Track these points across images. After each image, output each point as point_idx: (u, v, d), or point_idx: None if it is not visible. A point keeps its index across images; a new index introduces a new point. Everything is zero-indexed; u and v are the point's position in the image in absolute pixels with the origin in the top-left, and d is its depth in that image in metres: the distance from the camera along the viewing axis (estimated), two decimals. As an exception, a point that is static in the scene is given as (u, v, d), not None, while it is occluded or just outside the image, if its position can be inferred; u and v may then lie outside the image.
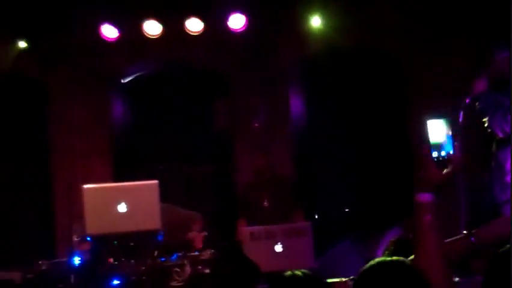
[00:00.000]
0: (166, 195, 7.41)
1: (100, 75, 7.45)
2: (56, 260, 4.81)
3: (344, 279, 4.06)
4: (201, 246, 5.17)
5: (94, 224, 4.32)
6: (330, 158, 7.62)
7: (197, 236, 5.18)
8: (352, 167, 7.55)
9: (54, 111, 7.45)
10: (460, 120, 4.15)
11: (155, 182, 4.39)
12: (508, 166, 4.24)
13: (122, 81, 7.66)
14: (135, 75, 7.70)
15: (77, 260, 4.60)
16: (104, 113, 7.54)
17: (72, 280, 4.37)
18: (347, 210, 7.59)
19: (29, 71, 7.40)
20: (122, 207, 4.33)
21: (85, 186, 4.39)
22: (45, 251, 7.01)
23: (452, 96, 6.86)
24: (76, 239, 4.68)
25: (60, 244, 7.08)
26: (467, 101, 4.25)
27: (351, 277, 4.00)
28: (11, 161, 7.50)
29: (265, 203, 6.13)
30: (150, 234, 4.42)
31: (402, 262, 2.21)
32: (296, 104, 7.66)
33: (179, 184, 7.57)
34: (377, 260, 2.33)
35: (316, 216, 7.40)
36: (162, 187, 7.42)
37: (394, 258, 2.24)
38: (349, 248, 5.55)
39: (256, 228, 4.39)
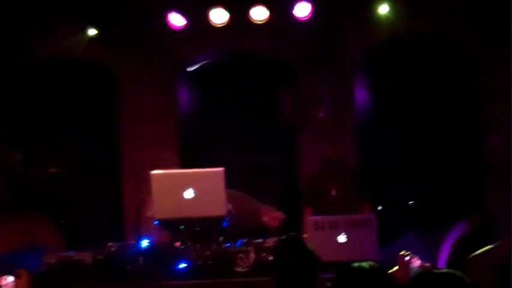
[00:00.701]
0: (229, 183, 7.62)
1: (167, 63, 7.57)
2: (125, 242, 4.94)
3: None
4: (278, 225, 5.20)
5: (162, 209, 4.42)
6: (394, 149, 7.54)
7: (272, 216, 5.21)
8: (417, 159, 7.45)
9: (123, 98, 7.61)
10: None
11: (222, 169, 4.46)
12: None
13: (188, 69, 7.76)
14: (201, 63, 7.79)
15: (145, 243, 4.72)
16: (171, 100, 7.66)
17: (140, 261, 4.47)
18: (411, 202, 7.49)
19: (99, 58, 7.58)
20: (189, 193, 4.42)
21: (153, 172, 4.49)
22: (114, 234, 7.25)
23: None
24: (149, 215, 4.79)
25: (128, 227, 7.27)
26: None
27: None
28: (82, 146, 7.74)
29: (332, 192, 6.14)
30: (216, 220, 4.49)
31: (453, 274, 2.24)
32: (361, 93, 7.60)
33: (243, 173, 7.63)
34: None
35: (379, 208, 7.36)
36: (226, 175, 7.64)
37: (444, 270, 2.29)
38: (413, 241, 5.49)
39: (320, 218, 4.40)
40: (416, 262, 3.41)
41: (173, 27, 7.14)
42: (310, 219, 4.34)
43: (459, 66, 7.42)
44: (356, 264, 2.46)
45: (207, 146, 7.79)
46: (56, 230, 6.71)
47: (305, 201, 6.43)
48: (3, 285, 3.27)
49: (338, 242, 4.23)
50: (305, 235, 4.39)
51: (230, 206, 4.67)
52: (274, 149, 7.81)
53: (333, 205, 6.12)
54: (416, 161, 7.46)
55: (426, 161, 7.44)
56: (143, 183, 7.40)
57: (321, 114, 7.54)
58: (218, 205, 4.42)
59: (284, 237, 3.02)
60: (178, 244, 4.68)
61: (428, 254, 5.49)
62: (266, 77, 7.77)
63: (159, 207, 4.42)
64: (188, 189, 4.40)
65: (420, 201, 7.44)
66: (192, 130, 7.79)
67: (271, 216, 5.04)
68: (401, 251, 5.17)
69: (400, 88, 7.52)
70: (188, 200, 4.41)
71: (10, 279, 3.28)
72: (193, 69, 7.82)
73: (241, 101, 7.74)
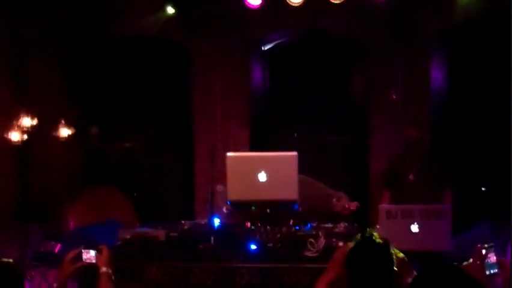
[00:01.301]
0: (299, 165, 7.65)
1: (242, 41, 7.63)
2: (197, 221, 5.04)
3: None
4: (353, 209, 5.18)
5: (235, 190, 4.50)
6: (469, 135, 7.39)
7: (348, 203, 5.19)
8: (492, 146, 7.27)
9: (198, 76, 7.73)
10: None
11: (295, 153, 4.48)
12: None
13: (262, 48, 7.79)
14: (275, 42, 7.81)
15: (216, 222, 4.81)
16: (244, 79, 7.72)
17: (212, 241, 4.57)
18: (483, 189, 7.34)
19: (175, 36, 7.70)
20: (262, 176, 4.48)
21: (229, 153, 4.56)
22: (186, 210, 7.44)
23: None
24: (219, 200, 4.88)
25: (198, 204, 7.41)
26: None
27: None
28: (157, 122, 7.92)
29: (410, 177, 6.06)
30: (287, 203, 4.53)
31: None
32: (437, 77, 7.45)
33: (313, 154, 7.65)
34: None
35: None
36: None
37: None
38: (487, 232, 5.38)
39: (392, 206, 4.37)
40: (493, 257, 3.32)
41: (249, 5, 7.15)
42: (382, 207, 4.31)
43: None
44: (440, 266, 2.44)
45: (278, 126, 7.83)
46: (131, 205, 6.93)
47: (384, 183, 6.36)
48: (86, 258, 3.39)
49: (410, 232, 4.19)
50: (378, 226, 4.36)
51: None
52: (346, 130, 7.77)
53: (410, 190, 6.01)
54: (492, 148, 7.28)
55: (502, 147, 7.24)
56: (215, 160, 7.58)
57: (394, 97, 7.43)
58: (290, 189, 4.46)
59: (359, 239, 2.98)
60: (248, 224, 4.74)
61: (501, 245, 5.39)
62: (340, 58, 7.72)
63: (233, 189, 4.49)
64: (262, 172, 4.45)
65: (493, 188, 7.27)
66: (263, 109, 7.82)
67: (344, 207, 5.02)
68: (477, 242, 5.11)
69: (479, 72, 7.32)
70: (262, 182, 4.47)
71: (92, 253, 3.40)
72: (268, 48, 7.83)
73: (314, 81, 7.72)
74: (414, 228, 4.18)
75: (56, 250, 6.38)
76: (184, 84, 7.83)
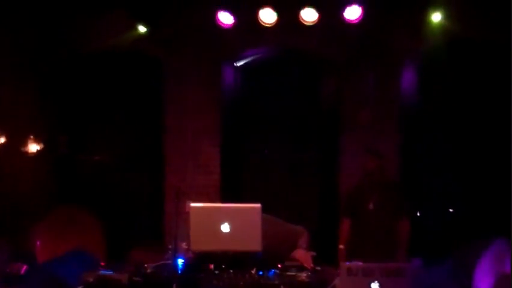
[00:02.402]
0: (269, 179, 7.71)
1: (214, 57, 7.60)
2: (161, 263, 5.05)
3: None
4: (312, 266, 5.24)
5: (198, 240, 4.53)
6: (438, 155, 7.47)
7: (305, 255, 5.22)
8: (460, 167, 7.37)
9: (169, 91, 7.70)
10: None
11: (258, 205, 4.51)
12: None
13: (235, 64, 7.76)
14: (248, 59, 7.78)
15: (180, 262, 4.84)
16: (215, 95, 7.70)
17: (174, 288, 4.61)
18: (451, 210, 7.45)
19: (148, 51, 7.65)
20: (225, 227, 4.51)
21: (192, 204, 4.58)
22: (155, 227, 7.47)
23: None
24: (183, 246, 4.90)
25: (168, 219, 7.41)
26: None
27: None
28: (127, 136, 7.89)
29: (370, 206, 6.15)
30: (250, 254, 4.58)
31: None
32: (408, 98, 7.49)
33: (284, 170, 7.71)
34: None
35: (418, 214, 7.36)
36: (267, 172, 7.72)
37: None
38: (446, 276, 5.49)
39: (353, 264, 4.42)
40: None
41: (222, 25, 7.11)
42: (343, 265, 4.36)
43: (501, 75, 7.22)
44: None
45: (249, 143, 7.84)
46: (99, 231, 6.93)
47: (343, 212, 6.46)
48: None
49: (371, 289, 4.25)
50: (337, 280, 4.43)
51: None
52: (317, 148, 7.80)
53: (370, 219, 6.17)
54: (459, 169, 7.37)
55: (469, 169, 7.35)
56: (184, 176, 7.62)
57: (364, 116, 7.47)
58: (254, 240, 4.49)
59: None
60: (212, 266, 4.78)
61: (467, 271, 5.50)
62: (312, 76, 7.73)
63: (196, 239, 4.52)
64: (225, 223, 4.49)
65: (460, 210, 7.39)
66: (235, 125, 7.82)
67: (303, 255, 5.06)
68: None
69: (449, 94, 7.38)
70: (225, 233, 4.50)
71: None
72: (241, 65, 7.81)
73: (286, 98, 7.73)
74: (375, 286, 4.23)
75: (22, 271, 6.38)
76: (156, 98, 7.78)
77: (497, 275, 5.79)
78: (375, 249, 6.03)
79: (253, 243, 4.49)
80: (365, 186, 6.30)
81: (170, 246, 4.99)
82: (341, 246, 6.31)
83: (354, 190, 6.42)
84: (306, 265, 4.82)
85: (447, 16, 6.99)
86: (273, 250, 4.97)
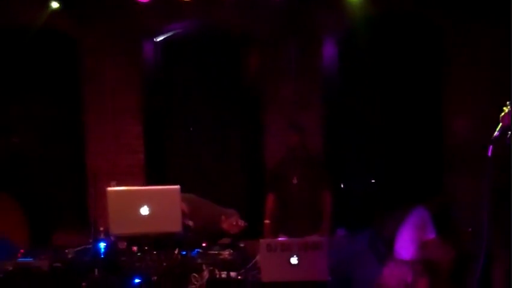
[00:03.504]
0: (194, 158, 7.65)
1: (132, 34, 7.42)
2: (83, 247, 4.96)
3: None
4: (237, 232, 5.27)
5: (117, 224, 4.45)
6: (360, 128, 7.57)
7: (233, 224, 5.24)
8: (381, 139, 7.50)
9: (87, 69, 7.48)
10: (489, 154, 4.08)
11: (177, 186, 4.47)
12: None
13: (155, 40, 7.61)
14: (169, 34, 7.63)
15: (102, 245, 4.76)
16: (135, 72, 7.53)
17: (96, 273, 4.54)
18: (373, 181, 7.59)
19: (62, 28, 7.41)
20: (144, 210, 4.45)
21: (109, 188, 4.50)
22: (78, 209, 7.31)
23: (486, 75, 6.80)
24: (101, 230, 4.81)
25: (91, 201, 7.26)
26: (497, 134, 4.16)
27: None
28: (44, 116, 7.65)
29: (294, 181, 6.22)
30: (171, 236, 4.54)
31: None
32: (330, 72, 7.53)
33: (208, 146, 7.66)
34: None
35: (342, 186, 7.47)
36: (192, 149, 7.65)
37: None
38: (366, 247, 5.63)
39: (272, 240, 4.50)
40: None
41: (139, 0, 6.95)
42: (262, 241, 4.40)
43: (427, 47, 7.35)
44: None
45: (173, 120, 7.74)
46: (22, 216, 6.73)
47: (268, 187, 6.51)
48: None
49: (290, 264, 4.32)
50: (258, 257, 4.47)
51: (191, 223, 4.73)
52: (240, 123, 7.77)
53: (293, 193, 6.26)
54: (381, 142, 7.51)
55: (390, 141, 7.49)
56: (107, 156, 7.47)
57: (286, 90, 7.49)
58: (174, 222, 4.46)
59: None
60: (135, 248, 4.73)
61: (380, 260, 5.65)
62: (233, 51, 7.66)
63: (115, 223, 4.44)
64: (144, 206, 4.42)
65: (382, 181, 7.53)
66: (157, 103, 7.69)
67: (233, 223, 5.09)
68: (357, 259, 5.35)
69: (367, 67, 7.46)
70: (144, 216, 4.44)
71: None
72: (161, 40, 7.65)
73: (209, 74, 7.64)
74: (294, 260, 4.31)
75: None
76: (74, 78, 7.55)
77: (418, 243, 5.97)
78: (300, 223, 6.14)
79: (173, 225, 4.46)
80: (288, 161, 6.39)
81: (93, 230, 4.91)
82: (267, 221, 6.40)
83: (278, 165, 6.50)
84: (232, 232, 4.85)
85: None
86: (199, 231, 4.97)
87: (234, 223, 5.13)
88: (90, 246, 4.89)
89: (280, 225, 6.26)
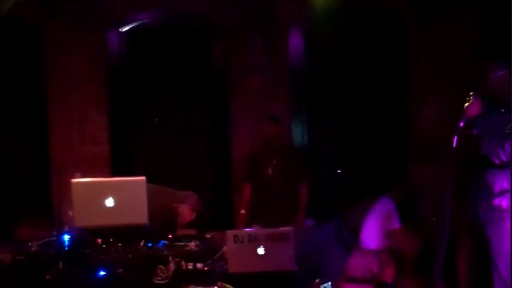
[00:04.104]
0: (162, 148, 7.60)
1: (98, 23, 7.32)
2: (47, 240, 4.87)
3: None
4: (190, 220, 5.26)
5: (82, 216, 4.38)
6: (326, 119, 7.60)
7: (187, 209, 5.25)
8: (347, 130, 7.53)
9: (51, 59, 7.36)
10: (454, 145, 4.13)
11: (143, 178, 4.41)
12: (495, 189, 4.26)
13: (120, 30, 7.51)
14: (135, 23, 7.55)
15: (66, 238, 4.69)
16: (101, 62, 7.44)
17: (60, 266, 4.47)
18: (339, 171, 7.63)
19: (26, 17, 7.26)
20: (109, 202, 4.39)
21: (73, 180, 4.41)
22: (42, 202, 7.20)
23: (449, 66, 6.87)
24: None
25: (54, 194, 7.16)
26: (462, 125, 4.20)
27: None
28: (8, 108, 7.50)
29: (269, 171, 6.22)
30: (137, 228, 4.49)
31: None
32: (296, 64, 7.53)
33: (174, 137, 7.61)
34: None
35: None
36: (158, 140, 7.59)
37: None
38: (333, 236, 5.67)
39: (239, 231, 4.48)
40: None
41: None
42: (229, 232, 4.38)
43: (391, 39, 7.40)
44: None
45: (138, 111, 7.66)
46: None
47: (244, 177, 6.53)
48: None
49: (257, 254, 4.31)
50: (225, 248, 4.45)
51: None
52: (207, 114, 7.72)
53: (269, 184, 6.29)
54: (346, 133, 7.54)
55: (356, 133, 7.53)
56: (71, 147, 7.37)
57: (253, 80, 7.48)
58: (140, 213, 4.39)
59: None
60: (99, 241, 4.67)
61: (347, 249, 5.69)
62: (201, 41, 7.60)
63: (80, 215, 4.37)
64: (109, 197, 4.36)
65: (348, 171, 7.58)
66: (123, 93, 7.60)
67: (186, 210, 5.08)
68: (322, 249, 5.37)
69: (333, 59, 7.48)
70: (109, 208, 4.38)
71: None
72: (127, 29, 7.56)
73: (175, 64, 7.58)
74: (261, 251, 4.30)
75: None
76: (38, 68, 7.42)
77: (384, 232, 6.03)
78: (275, 213, 6.17)
79: (139, 216, 4.39)
80: (265, 152, 6.41)
81: (57, 222, 4.84)
82: (242, 211, 6.44)
83: (254, 155, 6.51)
84: (184, 218, 4.82)
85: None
86: (163, 220, 4.94)
87: (187, 209, 5.11)
88: (54, 238, 4.80)
89: (255, 215, 6.28)
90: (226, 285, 3.27)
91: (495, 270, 4.30)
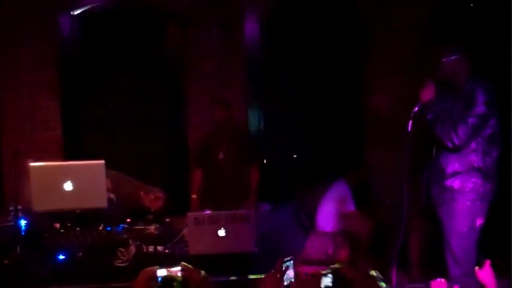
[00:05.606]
0: (116, 134, 7.52)
1: (49, 7, 7.17)
2: (3, 225, 4.79)
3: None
4: (158, 207, 5.24)
5: (40, 200, 4.34)
6: (282, 103, 7.66)
7: (152, 198, 5.22)
8: (303, 114, 7.61)
9: (1, 44, 7.18)
10: (409, 129, 4.24)
11: (102, 161, 4.39)
12: (448, 170, 4.39)
13: (72, 13, 7.38)
14: (87, 7, 7.42)
15: (23, 223, 4.64)
16: (52, 46, 7.29)
17: (18, 250, 4.42)
18: (294, 156, 7.72)
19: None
20: (68, 186, 4.36)
21: (31, 164, 4.36)
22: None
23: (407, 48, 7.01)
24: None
25: (7, 181, 7.03)
26: (416, 109, 4.31)
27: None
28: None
29: (220, 156, 6.25)
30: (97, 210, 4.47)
31: None
32: (252, 48, 7.54)
33: (128, 122, 7.55)
34: None
35: (264, 161, 7.54)
36: (112, 126, 7.51)
37: None
38: (290, 218, 5.75)
39: (199, 213, 4.51)
40: (291, 271, 3.55)
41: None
42: (190, 215, 4.41)
43: (346, 25, 7.49)
44: None
45: (91, 95, 7.56)
46: None
47: (195, 162, 6.53)
48: None
49: (218, 236, 4.36)
50: (185, 230, 4.48)
51: (112, 196, 4.66)
52: (163, 99, 7.67)
53: (220, 168, 6.32)
54: (302, 118, 7.62)
55: (311, 117, 7.62)
56: (23, 133, 7.23)
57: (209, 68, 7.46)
58: (98, 197, 4.39)
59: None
60: (57, 225, 4.63)
61: (304, 231, 5.78)
62: (155, 27, 7.53)
63: (38, 200, 4.33)
64: (68, 181, 4.33)
65: (303, 156, 7.67)
66: (75, 78, 7.47)
67: (152, 198, 5.06)
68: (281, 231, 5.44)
69: (289, 44, 7.53)
70: (68, 191, 4.35)
71: None
72: (79, 13, 7.43)
73: (128, 49, 7.50)
74: (221, 232, 4.35)
75: None
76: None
77: (338, 215, 6.14)
78: (226, 198, 6.20)
79: (98, 200, 4.40)
80: (215, 137, 6.43)
81: (11, 208, 4.76)
82: (194, 196, 6.43)
83: (205, 140, 6.52)
84: (153, 208, 4.83)
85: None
86: (123, 205, 4.92)
87: (153, 197, 5.11)
88: (10, 224, 4.74)
89: (206, 200, 6.29)
90: (189, 266, 3.30)
91: (448, 250, 4.42)
